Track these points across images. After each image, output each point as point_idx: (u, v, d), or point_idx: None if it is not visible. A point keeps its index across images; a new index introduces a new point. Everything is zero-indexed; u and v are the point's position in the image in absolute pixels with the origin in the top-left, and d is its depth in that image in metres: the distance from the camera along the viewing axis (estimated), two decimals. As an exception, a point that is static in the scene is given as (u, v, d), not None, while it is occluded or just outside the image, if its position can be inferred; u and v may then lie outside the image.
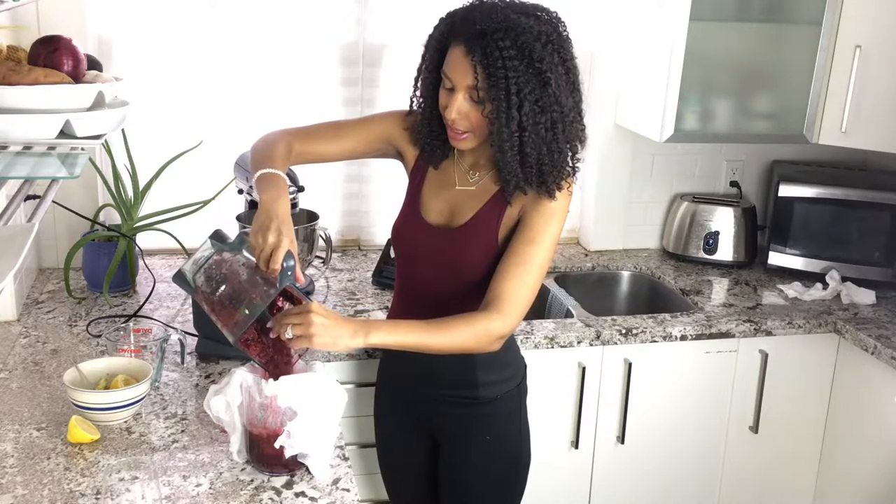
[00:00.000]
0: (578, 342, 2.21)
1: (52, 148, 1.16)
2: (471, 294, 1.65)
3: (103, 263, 2.25)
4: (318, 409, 1.48)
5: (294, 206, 2.25)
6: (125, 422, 1.65)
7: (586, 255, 2.87)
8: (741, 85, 2.57)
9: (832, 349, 2.44)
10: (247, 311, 1.42)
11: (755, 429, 2.44)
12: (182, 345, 1.91)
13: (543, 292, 2.53)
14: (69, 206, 2.30)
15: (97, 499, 1.41)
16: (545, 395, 2.20)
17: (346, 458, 1.58)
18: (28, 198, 1.30)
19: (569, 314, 2.38)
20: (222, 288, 1.45)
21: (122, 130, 2.27)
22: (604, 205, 2.87)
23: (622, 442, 2.34)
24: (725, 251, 2.79)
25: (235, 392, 1.48)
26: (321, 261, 2.55)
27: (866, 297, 2.54)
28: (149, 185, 2.31)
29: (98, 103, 1.24)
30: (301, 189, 2.28)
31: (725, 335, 2.33)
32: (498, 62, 1.46)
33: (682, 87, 2.45)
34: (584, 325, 2.26)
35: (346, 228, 2.79)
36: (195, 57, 2.51)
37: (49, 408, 1.69)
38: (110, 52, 2.43)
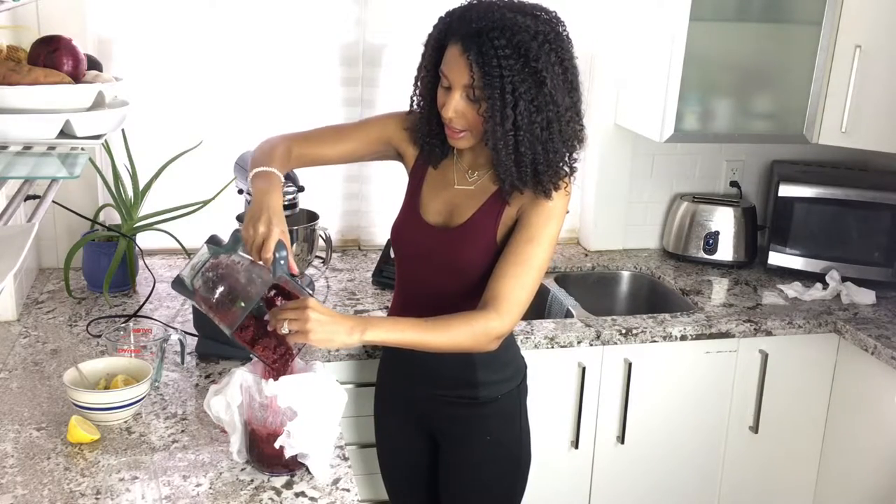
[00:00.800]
0: (578, 342, 2.21)
1: (52, 148, 1.16)
2: (470, 293, 1.65)
3: (103, 263, 2.25)
4: (318, 409, 1.48)
5: (294, 206, 2.25)
6: (125, 422, 1.65)
7: (586, 255, 2.87)
8: (741, 85, 2.57)
9: (832, 349, 2.44)
10: (242, 304, 1.44)
11: (755, 429, 2.44)
12: (182, 345, 1.91)
13: (543, 292, 2.53)
14: (69, 206, 2.30)
15: (97, 499, 1.41)
16: (545, 396, 2.20)
17: (346, 458, 1.58)
18: (28, 198, 1.30)
19: (569, 314, 2.38)
20: (220, 288, 1.47)
21: (122, 130, 2.27)
22: (604, 205, 2.87)
23: (622, 442, 2.34)
24: (725, 251, 2.79)
25: (235, 392, 1.48)
26: (321, 261, 2.56)
27: (866, 297, 2.54)
28: (149, 185, 2.31)
29: (98, 103, 1.24)
30: (301, 189, 2.28)
31: (725, 335, 2.33)
32: (493, 60, 1.46)
33: (682, 87, 2.45)
34: (584, 325, 2.26)
35: (346, 228, 2.79)
36: (195, 57, 2.51)
37: (49, 408, 1.69)
38: (110, 52, 2.43)
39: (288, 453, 1.46)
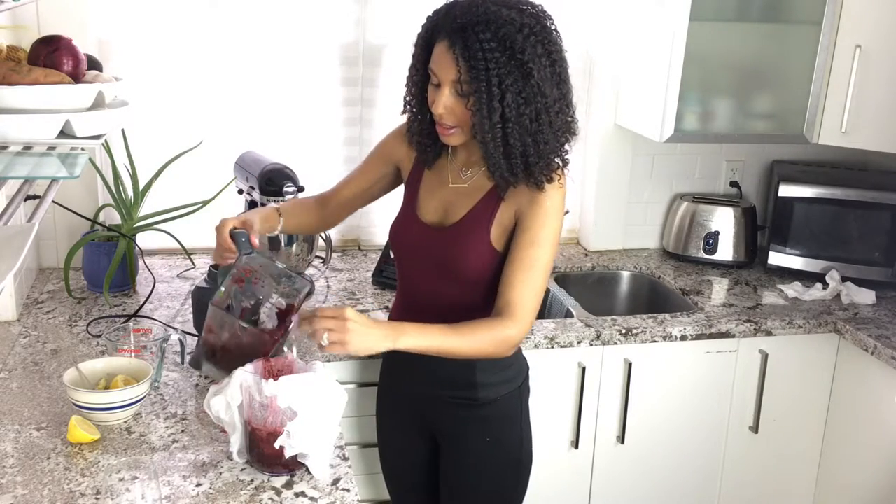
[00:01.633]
0: (578, 342, 2.21)
1: (52, 148, 1.16)
2: (469, 292, 1.65)
3: (103, 263, 2.25)
4: (318, 409, 1.48)
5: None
6: (125, 422, 1.65)
7: (586, 255, 2.87)
8: (741, 85, 2.57)
9: (832, 349, 2.44)
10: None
11: (755, 429, 2.43)
12: (182, 345, 1.91)
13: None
14: (69, 206, 2.30)
15: (97, 499, 1.41)
16: (545, 396, 2.20)
17: (346, 458, 1.58)
18: (28, 198, 1.30)
19: (569, 314, 2.38)
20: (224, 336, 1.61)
21: (122, 130, 2.28)
22: (604, 205, 2.87)
23: (622, 442, 2.34)
24: (725, 251, 2.79)
25: (235, 392, 1.48)
26: (321, 261, 2.56)
27: (866, 297, 2.54)
28: (149, 185, 2.31)
29: (98, 103, 1.24)
30: (301, 189, 2.28)
31: (725, 335, 2.32)
32: (479, 54, 1.47)
33: (682, 87, 2.45)
34: (584, 325, 2.26)
35: (346, 228, 2.79)
36: (195, 57, 2.50)
37: (49, 408, 1.69)
38: (110, 52, 2.43)
39: (288, 453, 1.46)
